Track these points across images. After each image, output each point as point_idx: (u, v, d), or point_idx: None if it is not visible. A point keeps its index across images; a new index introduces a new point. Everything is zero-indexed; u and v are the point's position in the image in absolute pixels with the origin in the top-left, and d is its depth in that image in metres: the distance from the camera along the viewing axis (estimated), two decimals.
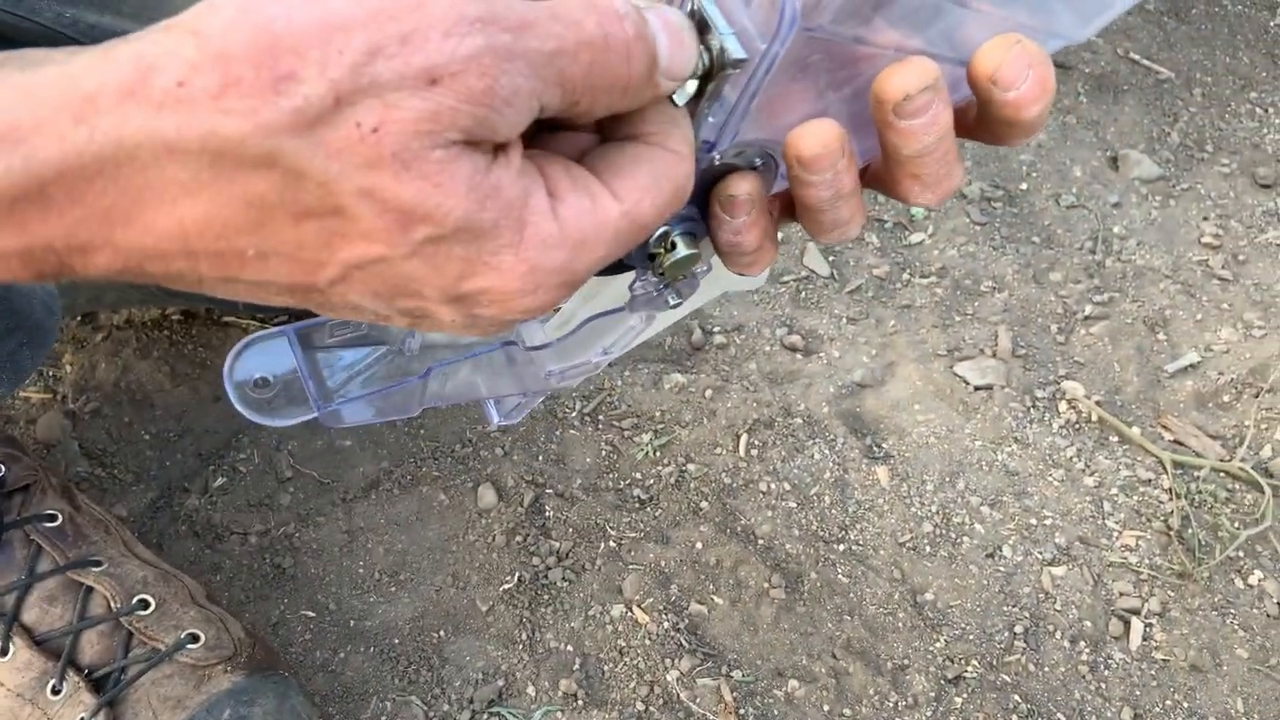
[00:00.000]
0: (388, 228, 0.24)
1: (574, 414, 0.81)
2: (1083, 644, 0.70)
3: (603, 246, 0.27)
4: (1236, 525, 0.75)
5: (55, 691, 0.56)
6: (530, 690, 0.67)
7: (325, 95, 0.22)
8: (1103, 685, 0.68)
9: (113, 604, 0.59)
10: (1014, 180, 1.00)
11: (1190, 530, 0.75)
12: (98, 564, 0.60)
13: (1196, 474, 0.78)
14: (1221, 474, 0.78)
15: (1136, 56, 1.13)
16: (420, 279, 0.25)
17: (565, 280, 0.27)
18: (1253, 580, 0.73)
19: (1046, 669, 0.69)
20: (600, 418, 0.81)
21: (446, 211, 0.24)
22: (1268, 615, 0.71)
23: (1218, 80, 1.11)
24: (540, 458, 0.78)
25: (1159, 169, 1.01)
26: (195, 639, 0.59)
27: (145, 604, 0.60)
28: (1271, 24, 1.18)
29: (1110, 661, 0.69)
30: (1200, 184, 1.01)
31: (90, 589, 0.59)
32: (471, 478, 0.77)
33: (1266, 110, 1.08)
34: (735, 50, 0.27)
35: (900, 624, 0.71)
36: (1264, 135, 1.05)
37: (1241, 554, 0.74)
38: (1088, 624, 0.71)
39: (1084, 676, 0.68)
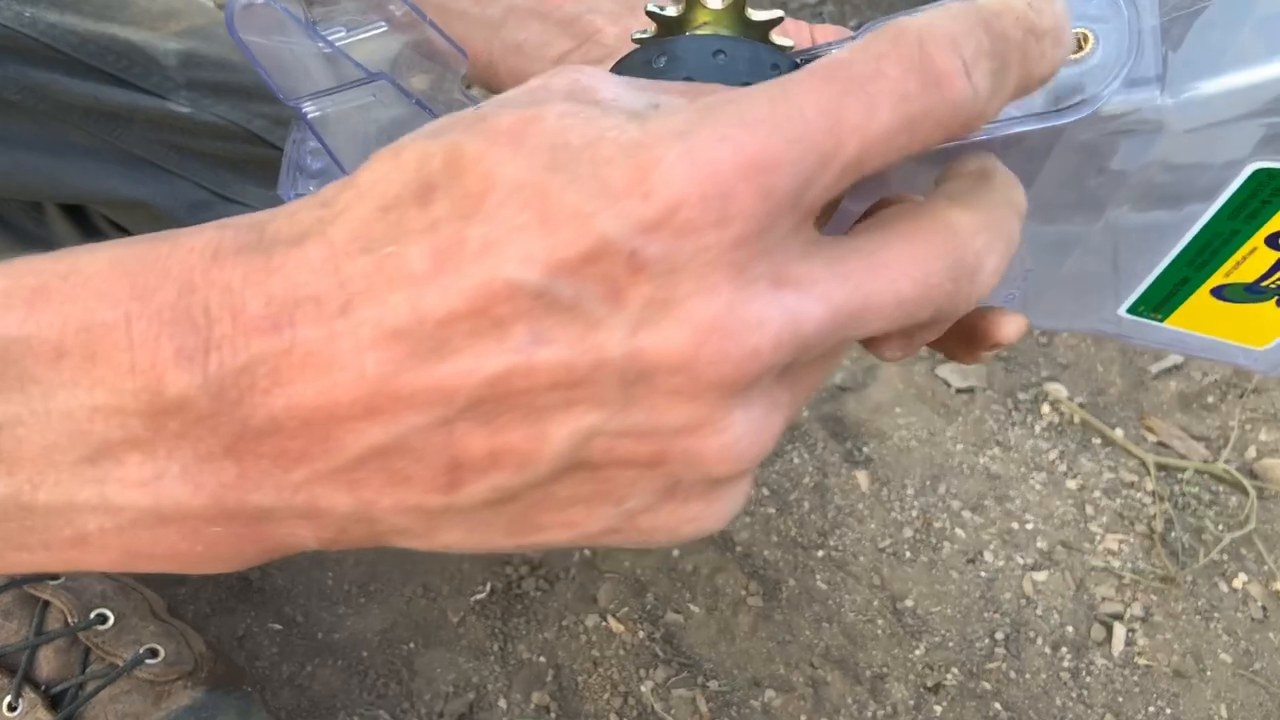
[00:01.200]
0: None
1: None
2: (1064, 650, 0.69)
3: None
4: (1220, 528, 0.74)
5: (11, 708, 0.55)
6: (502, 703, 0.66)
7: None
8: (1085, 692, 0.67)
9: (70, 619, 0.58)
10: None
11: (1174, 533, 0.74)
12: (54, 578, 0.59)
13: (1180, 476, 0.77)
14: (1205, 476, 0.77)
15: None
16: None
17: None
18: (1237, 584, 0.72)
19: (1028, 676, 0.68)
20: None
21: None
22: (1252, 619, 0.70)
23: None
24: None
25: None
26: (155, 654, 0.57)
27: (103, 618, 0.58)
28: None
29: (1092, 667, 0.68)
30: None
31: (47, 603, 0.58)
32: None
33: None
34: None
35: (879, 631, 0.70)
36: None
37: (1225, 557, 0.73)
38: (1069, 629, 0.70)
39: (1065, 683, 0.67)
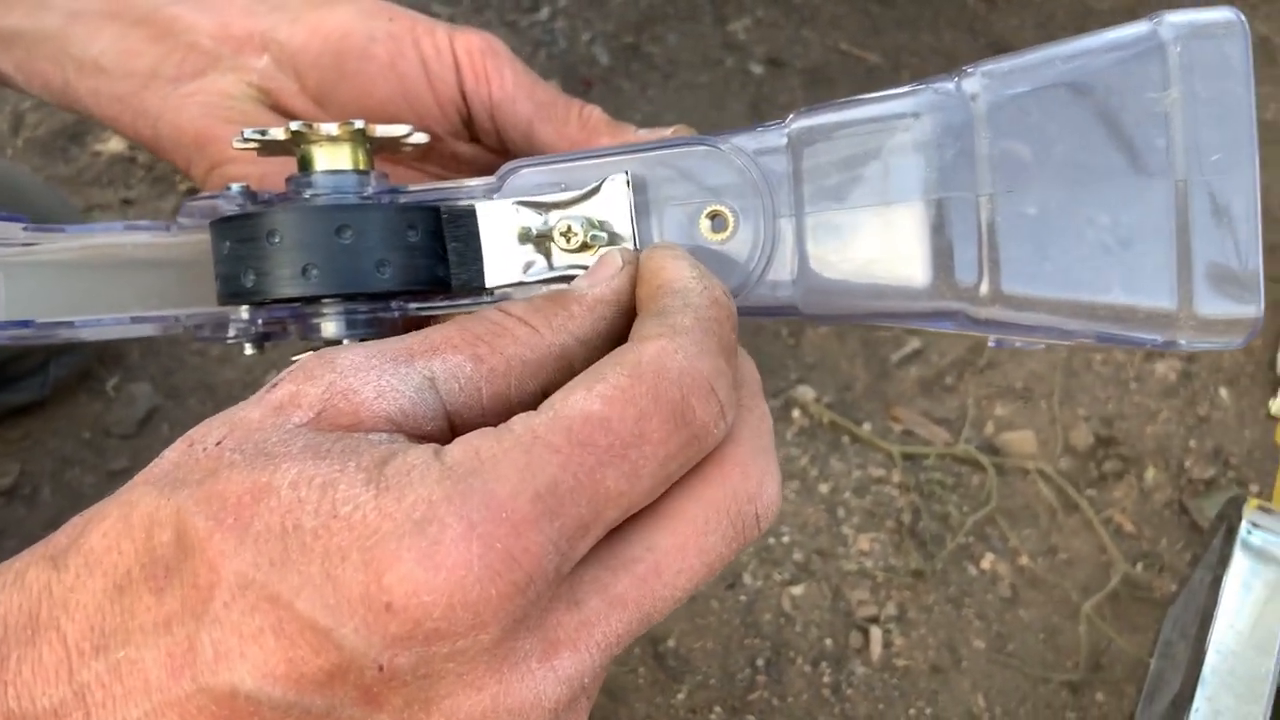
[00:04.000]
0: None
1: None
2: (824, 665, 0.67)
3: None
4: (965, 509, 0.74)
5: None
6: None
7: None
8: (847, 705, 0.65)
9: None
10: None
11: (922, 523, 0.74)
12: None
13: (925, 463, 0.77)
14: (948, 459, 0.78)
15: (846, 46, 1.14)
16: None
17: None
18: (985, 564, 0.72)
19: (790, 699, 0.66)
20: None
21: None
22: (1001, 599, 0.70)
23: (924, 60, 1.13)
24: None
25: None
26: None
27: None
28: (969, 0, 1.21)
29: (853, 678, 0.67)
30: None
31: None
32: None
33: None
34: None
35: (642, 680, 0.67)
36: None
37: (972, 539, 0.73)
38: (828, 642, 0.68)
39: (827, 700, 0.66)
